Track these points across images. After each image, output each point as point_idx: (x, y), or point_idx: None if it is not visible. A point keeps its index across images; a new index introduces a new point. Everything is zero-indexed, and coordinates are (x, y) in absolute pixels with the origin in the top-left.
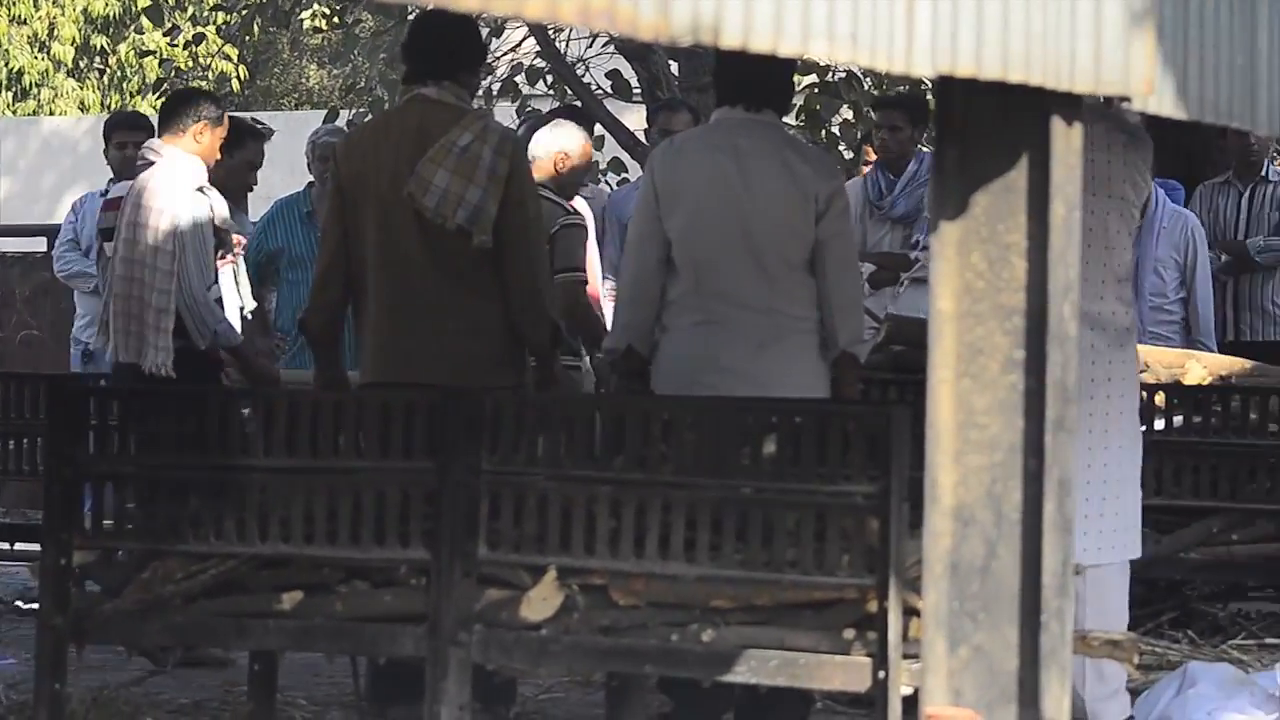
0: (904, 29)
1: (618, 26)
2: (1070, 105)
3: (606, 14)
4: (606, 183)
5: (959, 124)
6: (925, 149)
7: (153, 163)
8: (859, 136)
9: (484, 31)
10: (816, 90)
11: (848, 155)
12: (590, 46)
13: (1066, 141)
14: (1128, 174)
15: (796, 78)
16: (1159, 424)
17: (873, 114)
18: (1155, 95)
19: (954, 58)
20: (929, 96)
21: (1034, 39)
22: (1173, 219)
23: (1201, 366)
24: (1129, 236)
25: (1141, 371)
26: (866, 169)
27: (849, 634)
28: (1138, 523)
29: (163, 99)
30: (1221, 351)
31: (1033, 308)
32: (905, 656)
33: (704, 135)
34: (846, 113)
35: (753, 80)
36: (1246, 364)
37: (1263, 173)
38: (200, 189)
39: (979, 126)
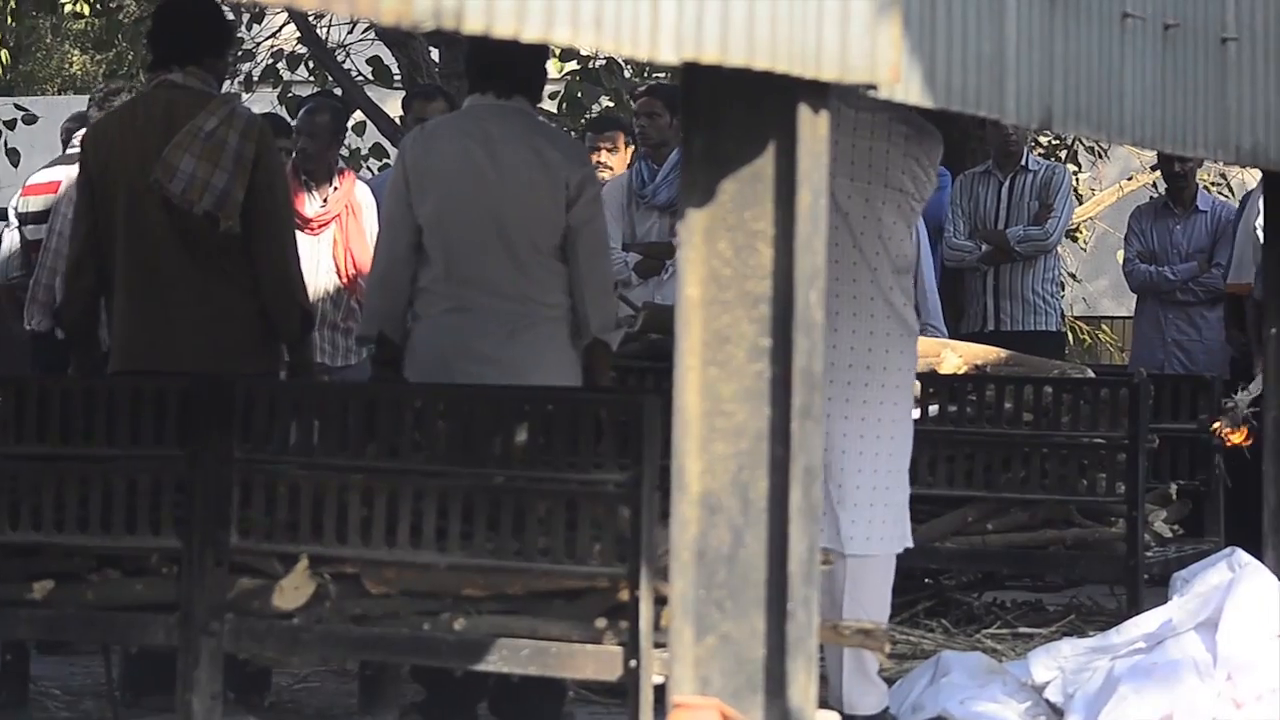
0: (649, 15)
1: (359, 11)
2: (817, 93)
3: None
4: (368, 169)
5: (706, 111)
6: None
7: None
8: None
9: (245, 18)
10: (577, 77)
11: None
12: (351, 33)
13: (813, 129)
14: (906, 165)
15: (557, 65)
16: (915, 413)
17: (632, 102)
18: (902, 83)
19: (699, 44)
20: None
21: (780, 26)
22: (936, 209)
23: (957, 356)
24: (908, 229)
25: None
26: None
27: (601, 623)
28: (907, 514)
29: None
30: (982, 341)
31: (779, 295)
32: (657, 645)
33: (455, 122)
34: (608, 100)
35: (502, 67)
36: (1002, 353)
37: (1022, 162)
38: None
39: (726, 114)
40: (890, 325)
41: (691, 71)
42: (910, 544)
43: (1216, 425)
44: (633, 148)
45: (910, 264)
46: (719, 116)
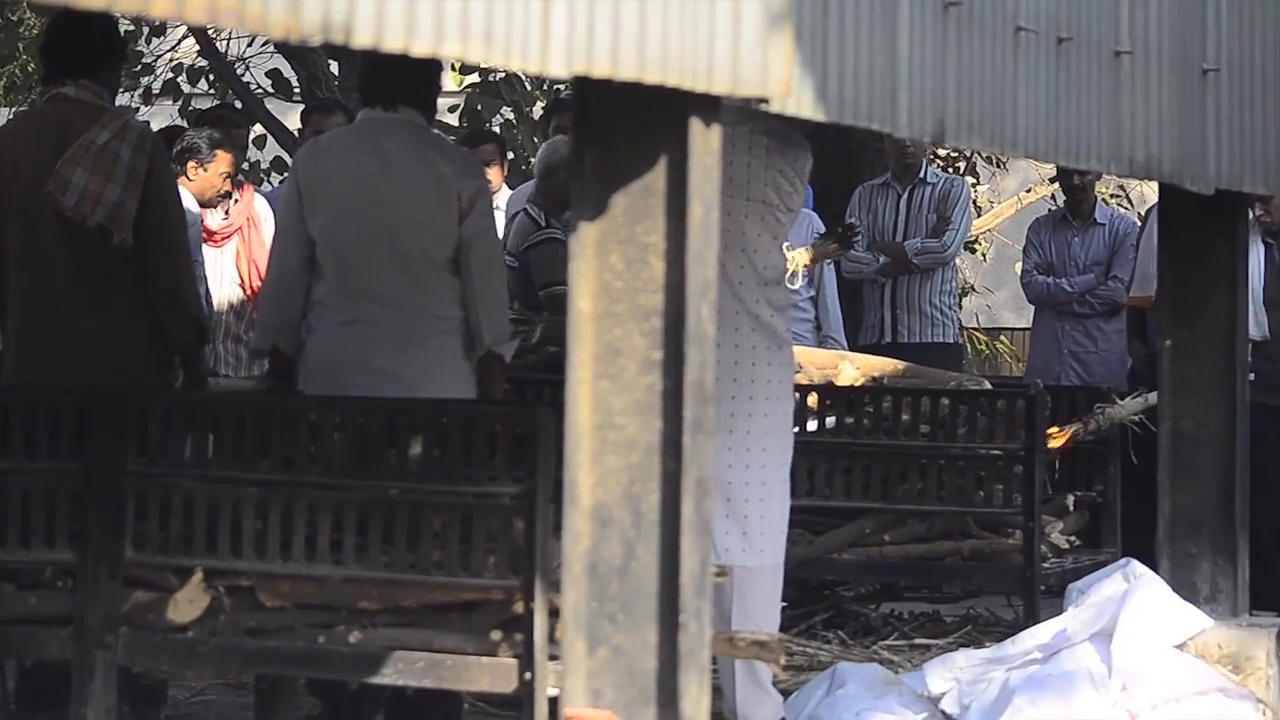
0: (539, 29)
1: (247, 25)
2: (709, 107)
3: (235, 13)
4: (269, 182)
5: (597, 125)
6: None
7: None
8: (518, 137)
9: (144, 32)
10: (477, 90)
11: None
12: (250, 46)
13: (705, 143)
14: (769, 178)
15: (457, 78)
16: (812, 425)
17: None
18: (794, 97)
19: (590, 58)
20: None
21: (671, 40)
22: (800, 217)
23: (854, 368)
24: (773, 240)
25: (795, 373)
26: None
27: (496, 635)
28: (785, 525)
29: None
30: (880, 353)
31: (670, 309)
32: (551, 658)
33: (347, 135)
34: (508, 113)
35: (392, 80)
36: (899, 365)
37: (920, 175)
38: None
39: (618, 127)
40: (756, 338)
41: (583, 85)
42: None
43: (1051, 429)
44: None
45: (780, 275)
46: (610, 130)
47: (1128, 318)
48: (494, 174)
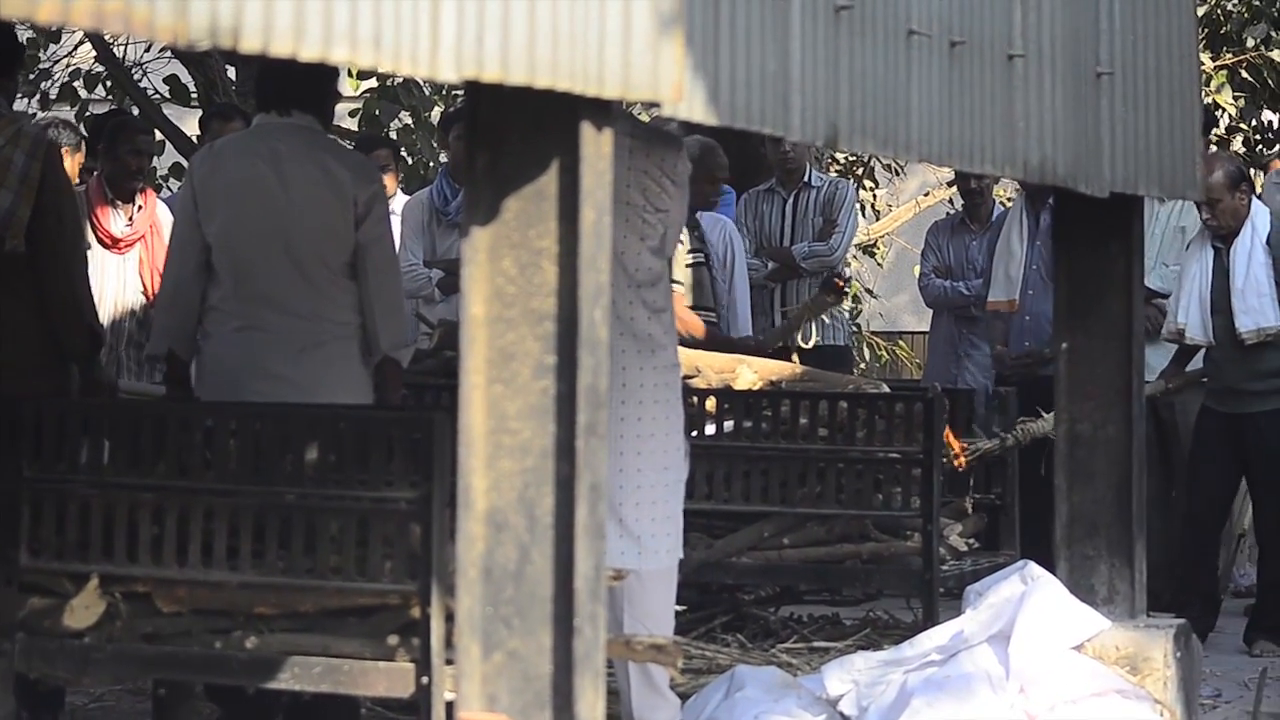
0: (429, 33)
1: (133, 29)
2: (600, 111)
3: (122, 16)
4: (167, 188)
5: (489, 130)
6: None
7: None
8: (416, 142)
9: (41, 37)
10: (375, 95)
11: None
12: (148, 51)
13: (597, 147)
14: (634, 179)
15: (354, 83)
16: (710, 429)
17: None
18: (685, 101)
19: (480, 63)
20: None
21: (562, 44)
22: (711, 224)
23: (752, 371)
24: (641, 241)
25: (692, 377)
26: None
27: (393, 640)
28: (679, 528)
29: None
30: (771, 357)
31: (564, 313)
32: (448, 662)
33: (242, 140)
34: (407, 118)
35: (286, 85)
36: (797, 369)
37: (805, 179)
38: None
39: (509, 132)
40: (625, 342)
41: (474, 90)
42: (680, 556)
43: (958, 447)
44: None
45: (655, 276)
46: (502, 135)
47: (991, 322)
48: (389, 180)
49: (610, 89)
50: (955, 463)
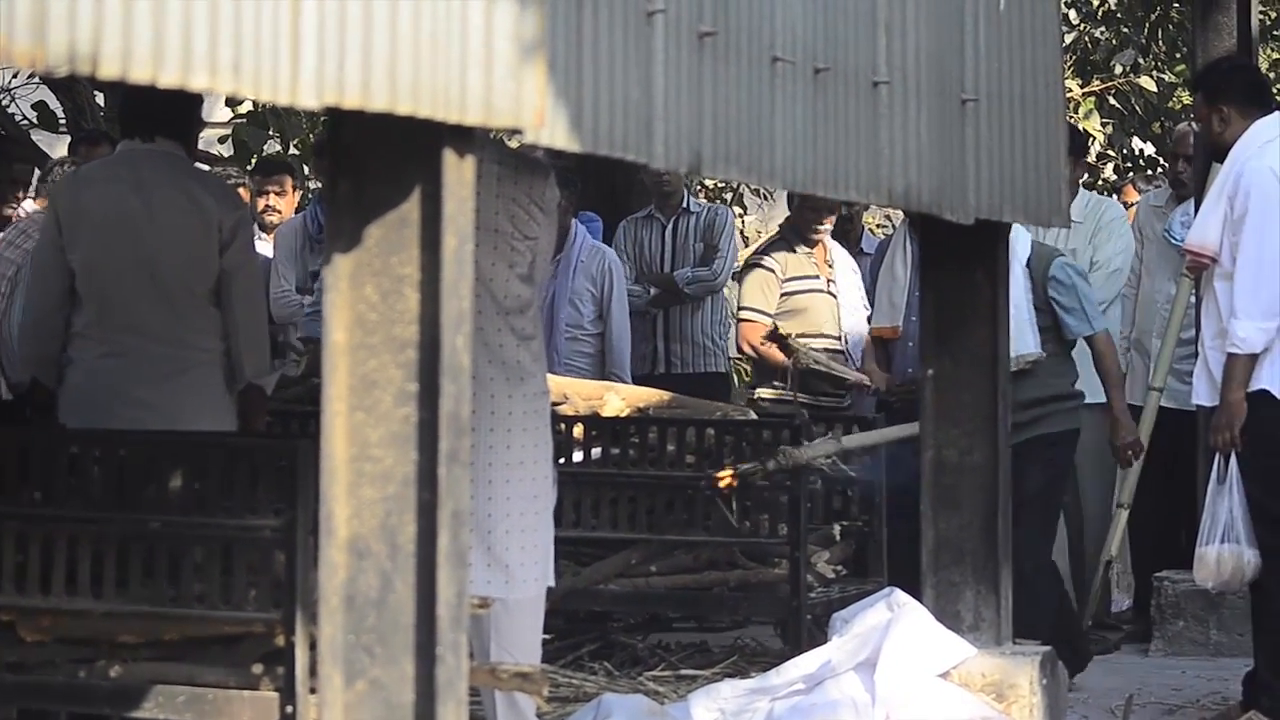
0: (289, 60)
1: None
2: (462, 138)
3: None
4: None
5: (350, 156)
6: None
7: None
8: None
9: None
10: (244, 120)
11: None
12: (15, 77)
13: (459, 174)
14: (503, 206)
15: (227, 108)
16: (578, 456)
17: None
18: (547, 128)
19: (341, 89)
20: None
21: (423, 70)
22: (590, 253)
23: (620, 398)
24: (510, 269)
25: (560, 404)
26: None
27: (257, 668)
28: (549, 555)
29: None
30: (651, 384)
31: (425, 340)
32: (313, 690)
33: (106, 166)
34: (275, 144)
35: (149, 111)
36: (664, 395)
37: (683, 205)
38: None
39: (371, 158)
40: (493, 370)
41: (335, 116)
42: (551, 583)
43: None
44: (300, 190)
45: (523, 304)
46: (364, 161)
47: (872, 348)
48: (286, 202)
49: (472, 115)
50: (718, 483)
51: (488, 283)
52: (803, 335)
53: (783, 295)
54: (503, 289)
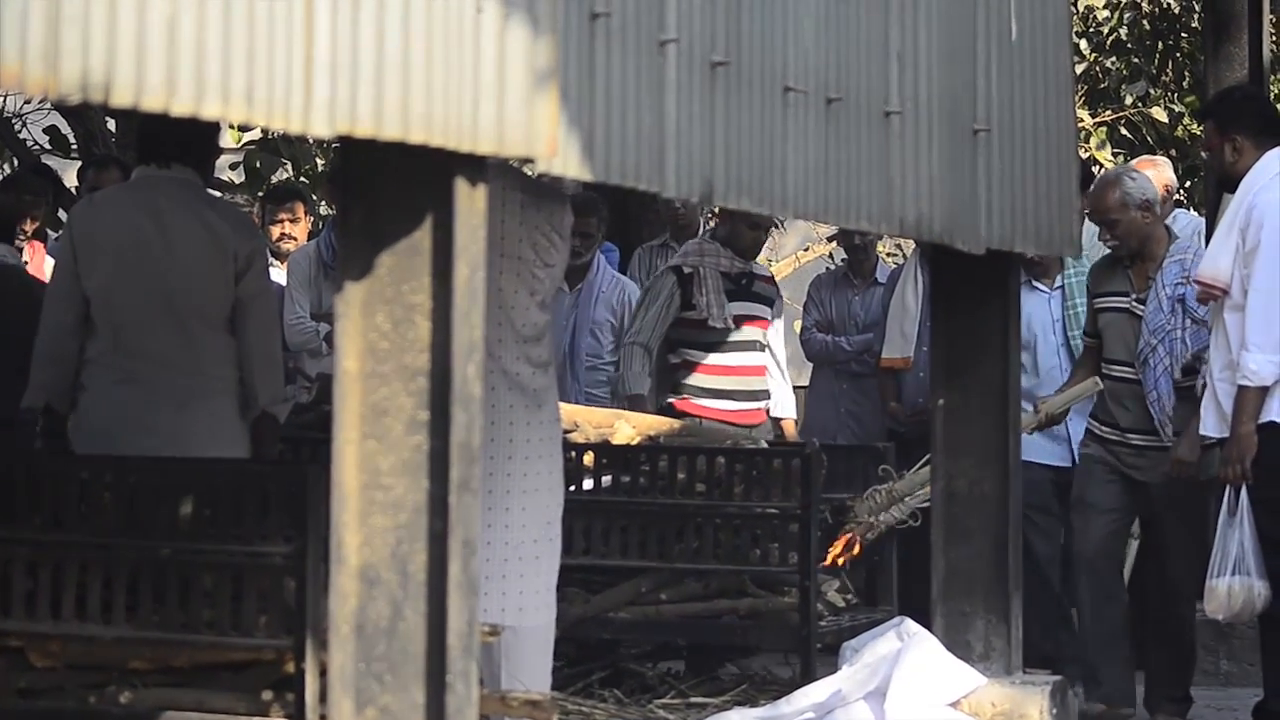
0: (302, 88)
1: (3, 82)
2: (474, 167)
3: None
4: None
5: (362, 184)
6: None
7: None
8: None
9: None
10: (256, 147)
11: None
12: (28, 102)
13: (470, 203)
14: (525, 234)
15: (235, 135)
16: (588, 483)
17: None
18: (560, 157)
19: (353, 118)
20: None
21: (435, 100)
22: (611, 284)
23: (630, 426)
24: (530, 296)
25: (571, 431)
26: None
27: (267, 695)
28: (553, 584)
29: None
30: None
31: (437, 369)
32: (322, 718)
33: (123, 193)
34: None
35: (167, 138)
36: (675, 424)
37: (699, 234)
38: None
39: (384, 187)
40: (513, 397)
41: (347, 145)
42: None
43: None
44: (312, 217)
45: (540, 332)
46: (376, 190)
47: (881, 379)
48: (300, 228)
49: (484, 145)
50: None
51: (509, 310)
52: None
53: None
54: (522, 317)
